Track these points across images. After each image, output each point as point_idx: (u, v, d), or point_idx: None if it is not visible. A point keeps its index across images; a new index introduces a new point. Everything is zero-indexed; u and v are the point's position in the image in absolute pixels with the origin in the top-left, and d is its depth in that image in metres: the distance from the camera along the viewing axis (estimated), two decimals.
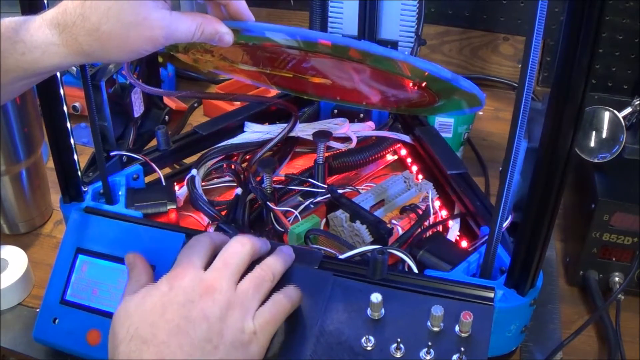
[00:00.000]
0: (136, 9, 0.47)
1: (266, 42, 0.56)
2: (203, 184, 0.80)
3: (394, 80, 0.60)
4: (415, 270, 0.60)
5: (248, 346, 0.47)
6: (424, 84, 0.58)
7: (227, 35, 0.52)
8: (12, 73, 0.48)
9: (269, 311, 0.50)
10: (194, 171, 0.78)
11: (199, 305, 0.47)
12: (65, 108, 0.63)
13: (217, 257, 0.51)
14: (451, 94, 0.59)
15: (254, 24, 0.54)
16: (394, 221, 0.71)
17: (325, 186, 0.77)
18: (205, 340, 0.45)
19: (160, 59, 1.11)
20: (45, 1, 0.56)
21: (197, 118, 1.11)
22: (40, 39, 0.47)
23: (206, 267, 0.51)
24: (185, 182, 0.78)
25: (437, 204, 0.77)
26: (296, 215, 0.72)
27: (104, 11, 0.46)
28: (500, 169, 0.52)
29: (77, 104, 1.01)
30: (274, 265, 0.53)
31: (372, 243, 0.66)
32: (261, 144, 0.84)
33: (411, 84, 0.59)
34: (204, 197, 0.75)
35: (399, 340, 0.49)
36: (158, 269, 0.60)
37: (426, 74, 0.54)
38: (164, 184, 0.77)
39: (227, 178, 0.84)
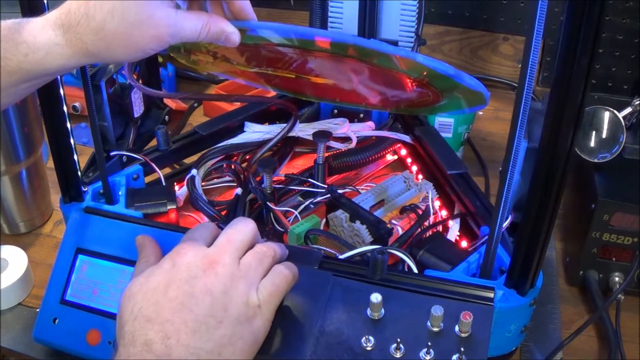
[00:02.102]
0: (141, 7, 0.46)
1: (272, 43, 0.55)
2: (203, 184, 0.80)
3: (397, 80, 0.60)
4: (415, 270, 0.60)
5: (252, 320, 0.47)
6: (426, 81, 0.58)
7: (233, 35, 0.52)
8: (15, 75, 0.48)
9: (272, 283, 0.49)
10: (194, 171, 0.78)
11: (202, 281, 0.46)
12: (65, 108, 0.63)
13: (221, 235, 0.51)
14: (456, 91, 0.59)
15: (262, 24, 0.53)
16: (394, 221, 0.71)
17: (325, 186, 0.77)
18: (209, 315, 0.45)
19: (160, 59, 1.11)
20: (46, 1, 0.56)
21: (197, 118, 1.11)
22: (44, 39, 0.47)
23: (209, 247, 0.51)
24: (185, 182, 0.78)
25: (437, 204, 0.77)
26: (296, 215, 0.72)
27: (108, 10, 0.46)
28: (500, 169, 0.52)
29: (77, 104, 1.01)
30: (275, 245, 0.53)
31: (372, 243, 0.66)
32: (261, 144, 0.84)
33: (415, 83, 0.59)
34: (204, 197, 0.75)
35: (398, 340, 0.49)
36: None
37: (427, 70, 0.54)
38: (164, 184, 0.77)
39: (227, 178, 0.84)
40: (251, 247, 0.52)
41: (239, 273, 0.48)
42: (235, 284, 0.47)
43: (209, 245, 0.50)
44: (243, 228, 0.52)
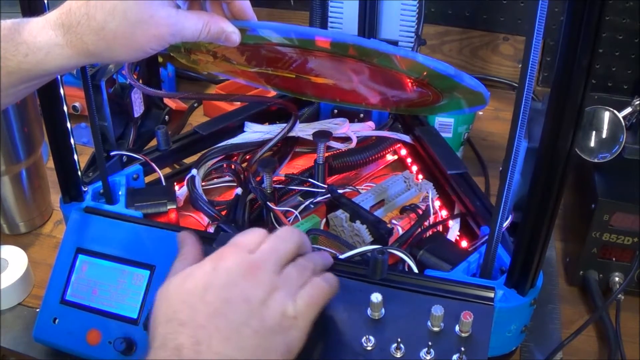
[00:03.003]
0: (142, 6, 0.46)
1: (272, 42, 0.55)
2: (203, 184, 0.80)
3: (397, 80, 0.60)
4: (415, 270, 0.60)
5: (288, 331, 0.45)
6: (426, 81, 0.58)
7: (233, 34, 0.52)
8: (14, 75, 0.48)
9: (309, 295, 0.48)
10: (194, 171, 0.78)
11: (240, 287, 0.45)
12: (65, 108, 0.63)
13: (267, 242, 0.49)
14: (456, 92, 0.59)
15: (262, 24, 0.53)
16: (394, 221, 0.71)
17: (325, 186, 0.77)
18: (244, 324, 0.44)
19: (160, 59, 1.11)
20: (46, 1, 0.56)
21: (197, 118, 1.11)
22: (44, 40, 0.47)
23: None
24: (185, 182, 0.78)
25: (437, 204, 0.77)
26: (296, 215, 0.72)
27: (109, 9, 0.46)
28: (500, 169, 0.52)
29: (77, 104, 1.01)
30: (316, 258, 0.52)
31: (372, 243, 0.66)
32: (261, 144, 0.84)
33: (415, 83, 0.59)
34: (204, 197, 0.75)
35: (399, 340, 0.50)
36: (158, 269, 0.60)
37: (427, 70, 0.54)
38: (164, 184, 0.77)
39: (227, 178, 0.84)
40: (294, 258, 0.50)
41: (278, 283, 0.47)
42: (273, 294, 0.46)
43: (254, 251, 0.49)
44: (289, 238, 0.50)
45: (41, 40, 0.47)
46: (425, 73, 0.55)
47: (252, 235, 0.50)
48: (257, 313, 0.45)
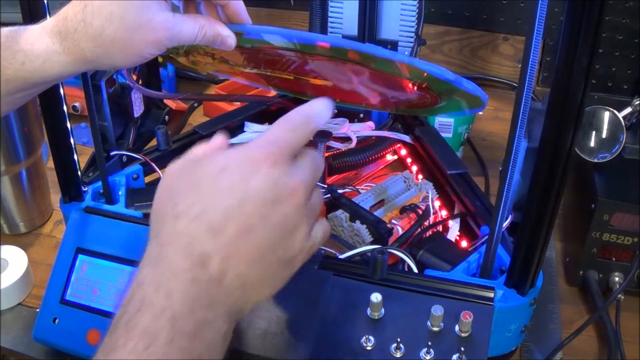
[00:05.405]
0: (139, 11, 0.46)
1: (267, 46, 0.55)
2: None
3: (396, 82, 0.60)
4: (415, 270, 0.60)
5: (293, 264, 0.43)
6: (424, 85, 0.58)
7: (229, 38, 0.52)
8: (12, 83, 0.48)
9: (322, 234, 0.45)
10: None
11: (279, 209, 0.40)
12: (65, 108, 0.63)
13: (307, 160, 0.44)
14: (454, 95, 0.59)
15: (258, 28, 0.53)
16: (394, 221, 0.71)
17: (325, 186, 0.77)
18: (271, 249, 0.40)
19: (160, 59, 1.11)
20: (45, 1, 0.56)
21: (197, 118, 1.11)
22: (41, 48, 0.47)
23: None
24: None
25: (437, 204, 0.77)
26: None
27: (106, 15, 0.46)
28: (500, 169, 0.52)
29: (77, 104, 1.01)
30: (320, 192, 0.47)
31: (372, 243, 0.66)
32: None
33: (413, 86, 0.59)
34: None
35: (398, 340, 0.50)
36: None
37: (426, 74, 0.54)
38: None
39: None
40: None
41: (307, 213, 0.43)
42: (300, 225, 0.42)
43: (290, 174, 0.42)
44: (319, 166, 0.45)
45: (38, 48, 0.47)
46: (424, 75, 0.55)
47: (302, 134, 0.44)
48: (284, 241, 0.41)
